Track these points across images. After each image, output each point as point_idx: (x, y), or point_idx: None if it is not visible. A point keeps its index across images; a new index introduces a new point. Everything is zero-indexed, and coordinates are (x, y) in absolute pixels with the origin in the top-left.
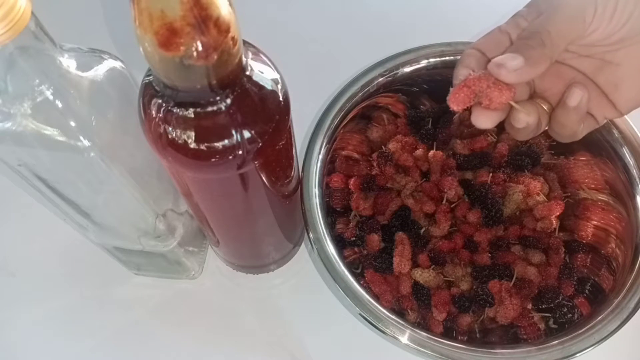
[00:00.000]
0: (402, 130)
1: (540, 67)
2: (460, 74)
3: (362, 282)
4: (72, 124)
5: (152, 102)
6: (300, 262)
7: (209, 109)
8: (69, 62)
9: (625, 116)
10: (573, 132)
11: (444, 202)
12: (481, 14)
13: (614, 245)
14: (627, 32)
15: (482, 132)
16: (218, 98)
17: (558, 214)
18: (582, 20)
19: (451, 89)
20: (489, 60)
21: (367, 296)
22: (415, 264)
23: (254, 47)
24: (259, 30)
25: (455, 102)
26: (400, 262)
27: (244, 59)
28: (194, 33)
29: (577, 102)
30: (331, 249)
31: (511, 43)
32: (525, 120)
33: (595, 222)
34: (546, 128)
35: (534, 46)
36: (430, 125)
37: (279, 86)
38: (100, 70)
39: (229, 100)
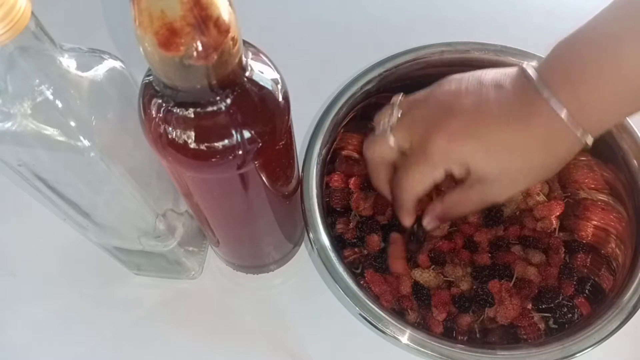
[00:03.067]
0: None
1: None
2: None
3: (362, 282)
4: (72, 124)
5: (152, 102)
6: (300, 262)
7: (209, 109)
8: (69, 62)
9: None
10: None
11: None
12: (481, 14)
13: (614, 245)
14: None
15: None
16: (218, 98)
17: (558, 214)
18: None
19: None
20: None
21: (367, 296)
22: (415, 264)
23: (254, 47)
24: (259, 30)
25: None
26: (393, 262)
27: (244, 59)
28: (194, 33)
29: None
30: (331, 249)
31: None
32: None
33: (595, 222)
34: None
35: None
36: None
37: (279, 86)
38: (100, 70)
39: (229, 100)
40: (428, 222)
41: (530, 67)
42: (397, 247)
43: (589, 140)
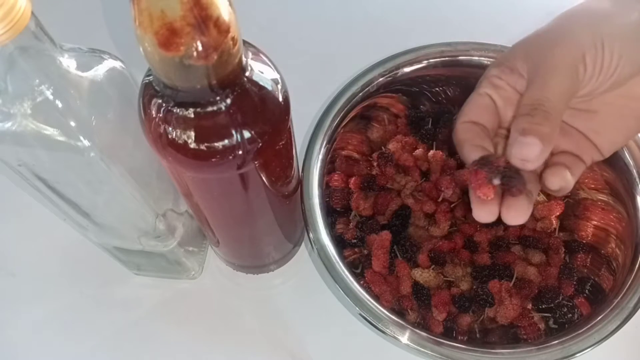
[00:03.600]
0: (402, 130)
1: (554, 140)
2: (470, 156)
3: (362, 282)
4: (72, 124)
5: (152, 102)
6: (300, 262)
7: (209, 109)
8: (69, 62)
9: None
10: (563, 189)
11: (440, 199)
12: (481, 14)
13: (614, 245)
14: (611, 86)
15: None
16: (218, 98)
17: (558, 214)
18: (576, 80)
19: (472, 178)
20: (484, 127)
21: (367, 296)
22: (415, 264)
23: (254, 47)
24: (259, 30)
25: (482, 192)
26: (376, 263)
27: (244, 59)
28: (194, 33)
29: (557, 187)
30: (331, 249)
31: (494, 103)
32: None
33: (595, 222)
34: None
35: (541, 122)
36: (430, 125)
37: (279, 86)
38: (100, 70)
39: (229, 100)
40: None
41: None
42: (379, 251)
43: None
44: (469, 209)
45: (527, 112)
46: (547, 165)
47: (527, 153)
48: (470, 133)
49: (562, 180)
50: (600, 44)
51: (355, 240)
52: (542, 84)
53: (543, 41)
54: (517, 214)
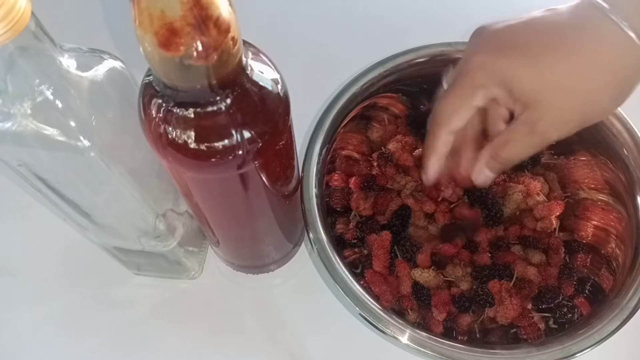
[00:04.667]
0: (402, 130)
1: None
2: (435, 166)
3: (362, 282)
4: (72, 124)
5: (152, 102)
6: (300, 262)
7: (209, 109)
8: (69, 62)
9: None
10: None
11: (439, 199)
12: (481, 14)
13: (614, 245)
14: None
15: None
16: (218, 98)
17: (558, 214)
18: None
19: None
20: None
21: (367, 296)
22: (415, 264)
23: (254, 47)
24: (259, 30)
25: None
26: (376, 263)
27: (244, 59)
28: (194, 33)
29: (482, 180)
30: (331, 249)
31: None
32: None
33: (595, 222)
34: None
35: (498, 165)
36: None
37: (279, 86)
38: (100, 70)
39: (229, 100)
40: (477, 173)
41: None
42: (383, 251)
43: None
44: (469, 209)
45: (491, 154)
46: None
47: (480, 181)
48: (447, 148)
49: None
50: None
51: (355, 241)
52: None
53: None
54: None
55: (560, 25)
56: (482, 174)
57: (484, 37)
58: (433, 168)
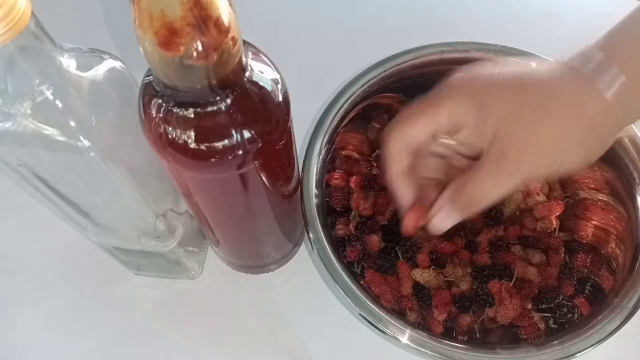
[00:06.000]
0: None
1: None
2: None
3: (362, 282)
4: (72, 124)
5: (152, 102)
6: (300, 262)
7: (209, 109)
8: (69, 62)
9: None
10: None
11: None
12: (481, 13)
13: (614, 245)
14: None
15: None
16: (218, 98)
17: (558, 214)
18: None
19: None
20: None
21: (367, 296)
22: (414, 265)
23: (254, 47)
24: (259, 30)
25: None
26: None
27: (244, 59)
28: (194, 33)
29: (439, 225)
30: (331, 249)
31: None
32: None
33: (595, 222)
34: None
35: (459, 210)
36: None
37: (279, 86)
38: (100, 70)
39: (229, 100)
40: (436, 211)
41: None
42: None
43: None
44: None
45: (451, 199)
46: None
47: (440, 229)
48: (401, 156)
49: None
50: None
51: (355, 241)
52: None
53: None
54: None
55: (547, 81)
56: (442, 214)
57: (469, 72)
58: (406, 199)
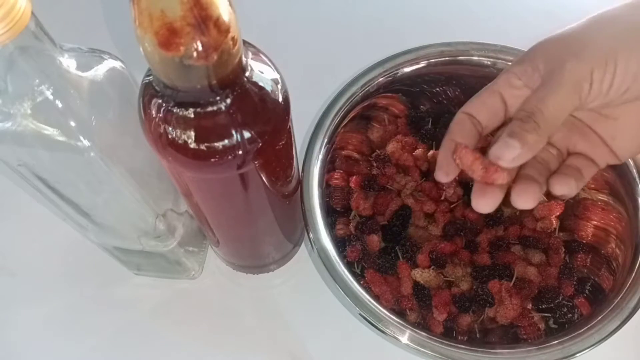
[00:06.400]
0: (402, 130)
1: (536, 150)
2: (442, 149)
3: (362, 282)
4: (72, 124)
5: (152, 102)
6: (300, 262)
7: (209, 109)
8: (69, 62)
9: None
10: (566, 195)
11: (442, 198)
12: (480, 14)
13: (614, 245)
14: (624, 101)
15: None
16: (218, 98)
17: (558, 214)
18: (577, 98)
19: (438, 159)
20: (480, 125)
21: (367, 296)
22: (414, 265)
23: (254, 47)
24: (259, 30)
25: (443, 174)
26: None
27: (244, 59)
28: (194, 33)
29: (560, 193)
30: (331, 249)
31: (504, 104)
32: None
33: (595, 222)
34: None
35: (529, 130)
36: (430, 125)
37: (279, 86)
38: (100, 70)
39: (229, 101)
40: (502, 142)
41: None
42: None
43: None
44: (469, 209)
45: (520, 118)
46: (559, 167)
47: (504, 154)
48: (459, 126)
49: (566, 189)
50: (613, 61)
51: (355, 241)
52: (543, 96)
53: (562, 47)
54: (528, 200)
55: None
56: (509, 145)
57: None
58: (446, 146)
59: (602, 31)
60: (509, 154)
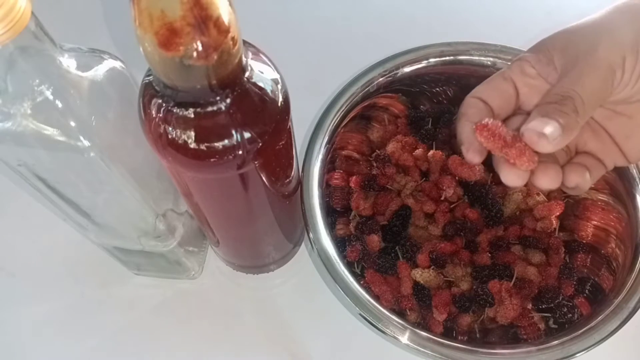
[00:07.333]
0: (402, 130)
1: (573, 135)
2: (464, 130)
3: (362, 282)
4: (72, 124)
5: (152, 102)
6: (300, 262)
7: (209, 109)
8: (69, 62)
9: None
10: (579, 188)
11: (442, 198)
12: (481, 14)
13: (614, 245)
14: None
15: None
16: (218, 98)
17: (558, 214)
18: (611, 85)
19: (463, 140)
20: (491, 110)
21: (367, 296)
22: (414, 265)
23: (254, 47)
24: (259, 30)
25: (476, 153)
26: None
27: (244, 59)
28: (194, 33)
29: (574, 184)
30: (331, 249)
31: (515, 91)
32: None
33: (595, 222)
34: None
35: (568, 112)
36: (430, 125)
37: (279, 86)
38: (100, 70)
39: (229, 100)
40: (538, 123)
41: None
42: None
43: None
44: (469, 209)
45: (555, 101)
46: (568, 162)
47: (542, 127)
48: (474, 109)
49: (580, 179)
50: None
51: (355, 241)
52: (577, 78)
53: (586, 35)
54: (550, 180)
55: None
56: (548, 123)
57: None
58: (463, 133)
59: (629, 21)
60: (552, 134)
